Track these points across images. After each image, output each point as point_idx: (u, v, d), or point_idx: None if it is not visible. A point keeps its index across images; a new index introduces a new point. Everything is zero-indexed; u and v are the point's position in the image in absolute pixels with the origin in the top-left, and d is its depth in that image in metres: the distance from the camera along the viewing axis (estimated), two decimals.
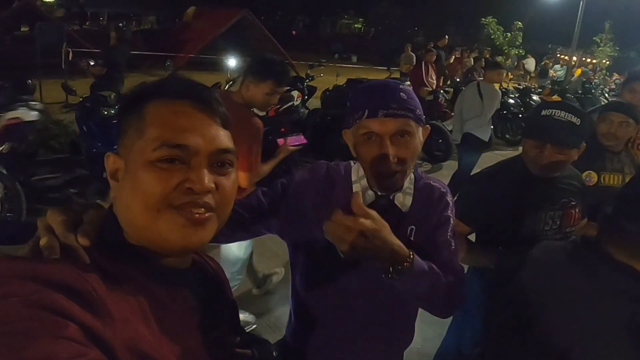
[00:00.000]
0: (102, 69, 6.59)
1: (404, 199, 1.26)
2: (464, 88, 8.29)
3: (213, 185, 0.73)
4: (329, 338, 1.34)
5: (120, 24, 15.64)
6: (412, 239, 1.26)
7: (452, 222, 1.32)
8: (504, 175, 1.86)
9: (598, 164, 2.38)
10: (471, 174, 1.97)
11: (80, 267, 0.64)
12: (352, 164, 1.32)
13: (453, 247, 1.29)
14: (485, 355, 1.40)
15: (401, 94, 1.16)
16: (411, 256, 1.06)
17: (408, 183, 1.27)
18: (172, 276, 0.76)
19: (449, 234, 1.30)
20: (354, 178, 1.27)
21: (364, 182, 1.25)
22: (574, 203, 1.84)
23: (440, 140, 7.21)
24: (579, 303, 1.10)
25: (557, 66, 16.62)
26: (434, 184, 1.34)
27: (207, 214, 0.73)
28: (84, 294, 0.60)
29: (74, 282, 0.61)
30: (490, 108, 5.58)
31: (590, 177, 2.34)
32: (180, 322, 0.73)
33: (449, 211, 1.32)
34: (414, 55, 11.91)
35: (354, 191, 1.24)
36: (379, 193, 1.24)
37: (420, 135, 1.19)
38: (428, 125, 1.24)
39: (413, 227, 1.26)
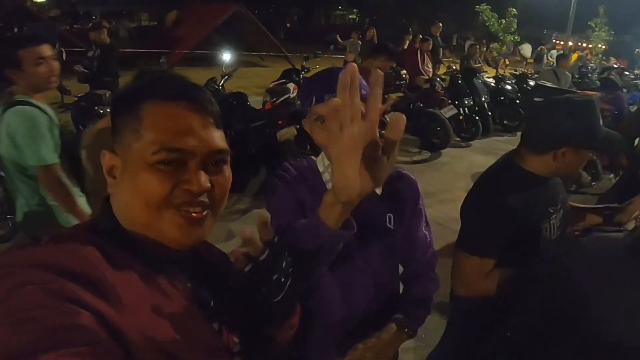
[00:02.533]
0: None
1: None
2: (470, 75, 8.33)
3: (209, 185, 0.76)
4: (321, 336, 1.36)
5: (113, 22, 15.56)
6: (391, 226, 1.32)
7: (424, 213, 1.45)
8: (508, 185, 1.64)
9: None
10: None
11: (91, 254, 0.67)
12: (314, 158, 1.38)
13: (429, 240, 1.46)
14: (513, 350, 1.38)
15: None
16: None
17: None
18: (172, 264, 0.79)
19: (423, 225, 1.44)
20: (321, 169, 1.33)
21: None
22: (567, 199, 1.78)
23: (438, 128, 7.19)
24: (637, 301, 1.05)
25: (553, 51, 16.56)
26: (403, 171, 1.43)
27: (204, 213, 0.77)
28: (96, 281, 0.64)
29: (87, 270, 0.64)
30: (565, 86, 7.72)
31: None
32: (182, 309, 0.75)
33: (420, 203, 1.43)
34: (360, 43, 11.75)
35: (324, 180, 1.31)
36: None
37: None
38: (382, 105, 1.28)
39: (390, 214, 1.33)
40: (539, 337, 1.23)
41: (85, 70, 6.17)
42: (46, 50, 2.20)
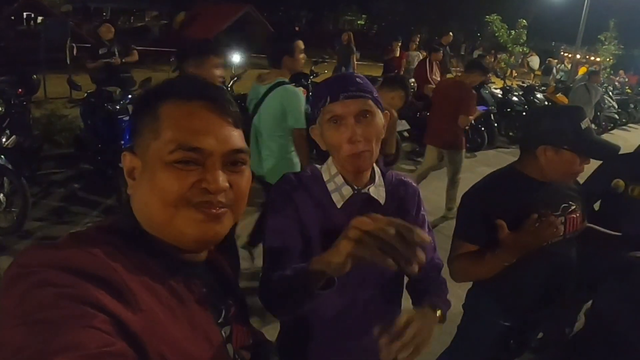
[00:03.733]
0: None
1: (378, 192, 1.31)
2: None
3: (227, 185, 0.75)
4: (325, 347, 1.35)
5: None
6: None
7: (427, 218, 1.46)
8: (503, 187, 1.76)
9: (632, 174, 2.31)
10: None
11: (110, 256, 0.67)
12: (318, 167, 1.37)
13: (433, 245, 1.47)
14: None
15: (357, 79, 1.26)
16: None
17: (378, 177, 1.33)
18: (188, 269, 0.79)
19: (427, 231, 1.43)
20: (326, 178, 1.31)
21: (339, 178, 1.29)
22: (574, 207, 1.78)
23: None
24: None
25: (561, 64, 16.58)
26: (405, 179, 1.44)
27: (222, 210, 0.76)
28: (114, 284, 0.64)
29: (105, 272, 0.64)
30: (595, 99, 8.70)
31: (618, 185, 2.30)
32: (195, 314, 0.76)
33: (423, 209, 1.44)
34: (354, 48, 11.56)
35: (329, 190, 1.29)
36: (355, 187, 1.29)
37: (381, 117, 1.26)
38: (387, 112, 1.31)
39: None
40: (579, 350, 1.23)
41: (111, 61, 6.09)
42: (303, 43, 3.16)
